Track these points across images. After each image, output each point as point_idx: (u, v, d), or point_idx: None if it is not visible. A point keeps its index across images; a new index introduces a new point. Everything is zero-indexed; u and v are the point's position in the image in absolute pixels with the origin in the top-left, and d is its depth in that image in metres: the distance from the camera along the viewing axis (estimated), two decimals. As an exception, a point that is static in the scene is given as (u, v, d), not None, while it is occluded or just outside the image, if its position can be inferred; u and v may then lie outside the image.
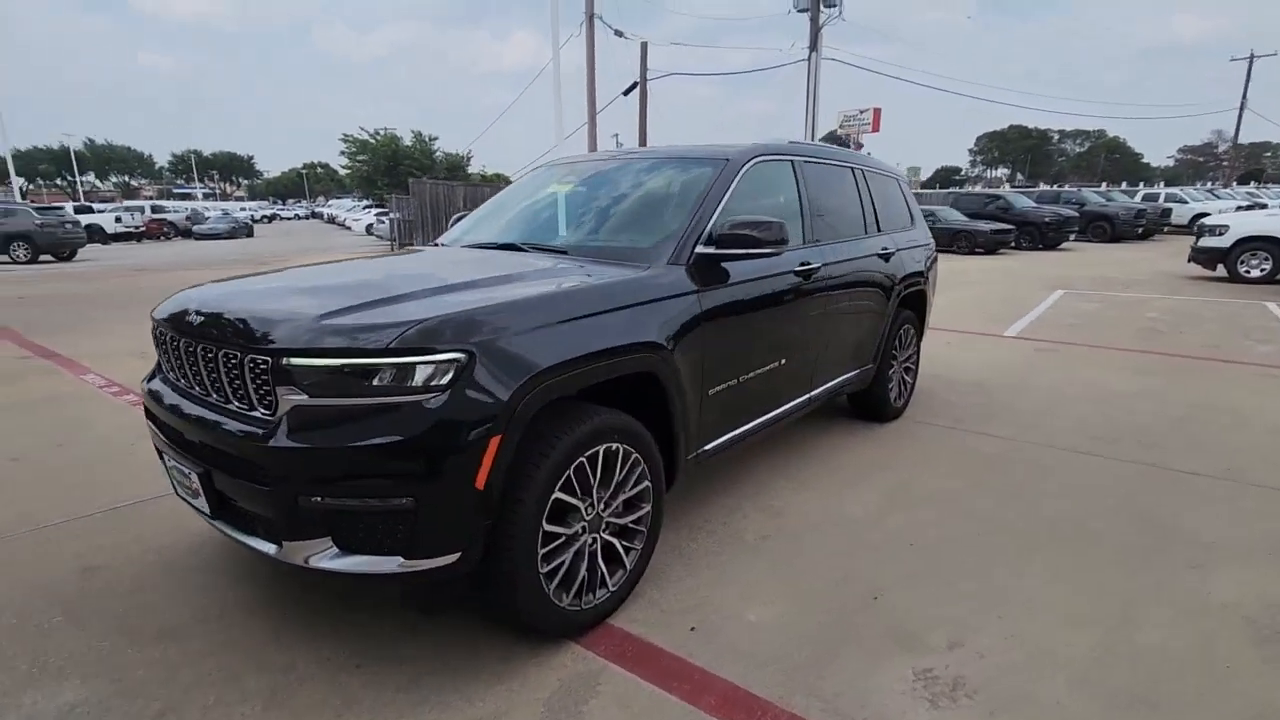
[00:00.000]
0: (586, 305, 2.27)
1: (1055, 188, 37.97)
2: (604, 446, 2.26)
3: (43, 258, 18.33)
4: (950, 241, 20.66)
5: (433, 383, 1.87)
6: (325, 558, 1.93)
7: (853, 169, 4.24)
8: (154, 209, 34.19)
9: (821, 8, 21.87)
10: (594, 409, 2.26)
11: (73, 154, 63.07)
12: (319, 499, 1.88)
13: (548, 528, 2.11)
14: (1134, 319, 8.62)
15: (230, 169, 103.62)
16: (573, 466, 2.15)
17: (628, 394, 2.51)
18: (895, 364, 4.57)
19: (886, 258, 4.24)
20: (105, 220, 28.71)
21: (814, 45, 21.95)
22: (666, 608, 2.52)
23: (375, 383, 1.86)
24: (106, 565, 2.77)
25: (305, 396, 1.88)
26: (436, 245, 3.56)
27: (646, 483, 2.48)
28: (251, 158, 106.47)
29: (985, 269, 15.04)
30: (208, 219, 34.90)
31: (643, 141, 20.48)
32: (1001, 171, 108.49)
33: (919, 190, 37.46)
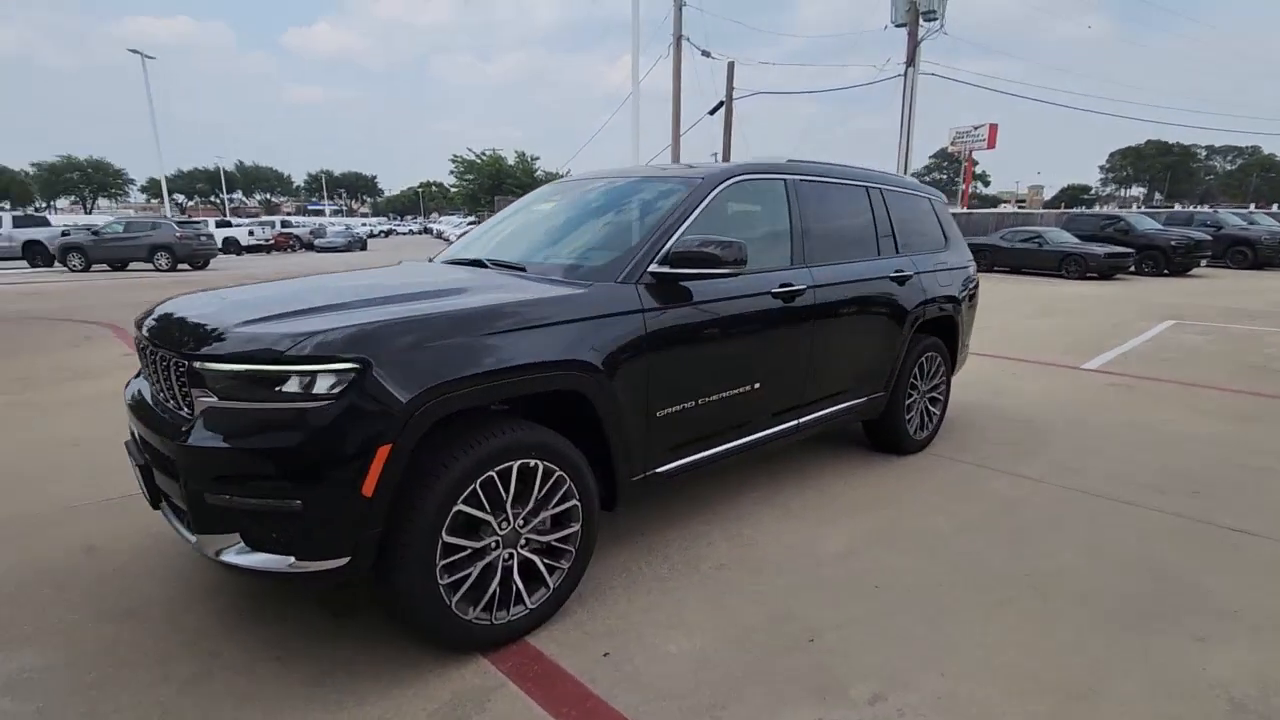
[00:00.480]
0: (503, 322, 2.29)
1: (1192, 208, 34.56)
2: (519, 462, 2.27)
3: (180, 266, 20.50)
4: (1058, 266, 19.30)
5: (324, 391, 1.95)
6: (233, 553, 2.05)
7: (868, 188, 4.05)
8: (282, 224, 37.52)
9: (921, 22, 21.11)
10: (508, 424, 2.28)
11: (222, 174, 70.22)
12: (225, 496, 2.00)
13: (449, 539, 2.14)
14: (1244, 355, 7.69)
15: (356, 187, 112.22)
16: (480, 480, 2.18)
17: (565, 411, 2.52)
18: (916, 394, 4.30)
19: (902, 280, 4.02)
20: (240, 234, 31.82)
21: (911, 61, 21.20)
22: (590, 630, 2.48)
23: (272, 389, 1.96)
24: (107, 547, 3.05)
25: (215, 399, 2.02)
26: (429, 260, 3.71)
27: (574, 502, 2.47)
28: (375, 177, 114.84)
29: (1091, 295, 13.90)
30: (328, 234, 37.85)
31: (726, 158, 20.44)
32: (1137, 190, 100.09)
33: (1038, 210, 35.19)
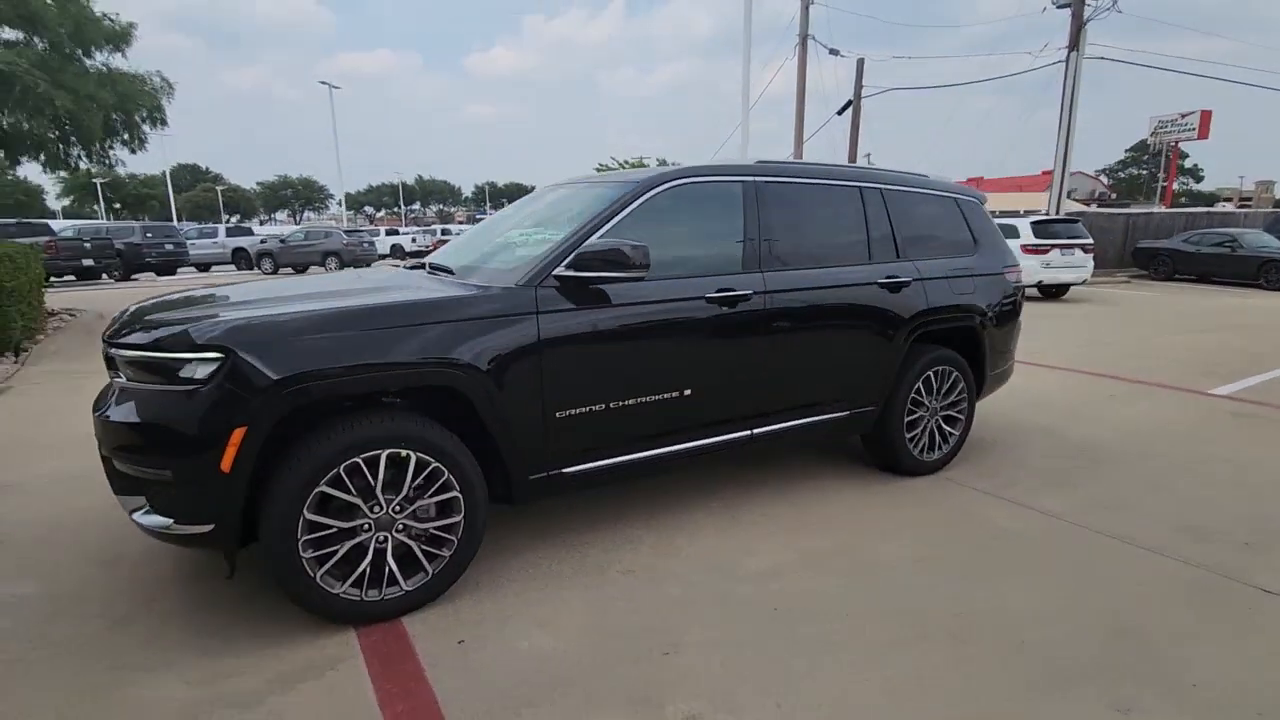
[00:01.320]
0: (379, 320, 2.46)
1: None
2: (388, 451, 2.43)
3: (345, 270, 23.23)
4: (1255, 274, 16.56)
5: (192, 376, 2.23)
6: (140, 514, 2.39)
7: (861, 189, 3.79)
8: (442, 231, 41.03)
9: (1087, 1, 18.91)
10: (378, 414, 2.45)
11: (401, 188, 78.06)
12: (128, 464, 2.34)
13: (311, 517, 2.34)
14: None
15: (516, 197, 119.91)
16: (344, 465, 2.36)
17: (460, 407, 2.64)
18: (922, 411, 3.95)
19: (895, 287, 3.72)
20: (405, 241, 35.30)
21: (1074, 44, 19.04)
22: (463, 617, 2.58)
23: (157, 373, 2.27)
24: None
25: (124, 380, 2.37)
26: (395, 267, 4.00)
27: (455, 493, 2.59)
28: (534, 187, 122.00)
29: (1273, 310, 11.76)
30: (482, 240, 40.86)
31: (851, 161, 19.50)
32: None
33: (1242, 211, 30.28)
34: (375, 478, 2.43)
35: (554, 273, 2.79)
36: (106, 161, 11.59)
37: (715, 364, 3.20)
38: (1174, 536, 3.24)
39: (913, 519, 3.46)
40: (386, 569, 2.52)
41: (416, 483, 2.51)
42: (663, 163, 46.59)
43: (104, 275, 19.95)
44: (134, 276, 21.22)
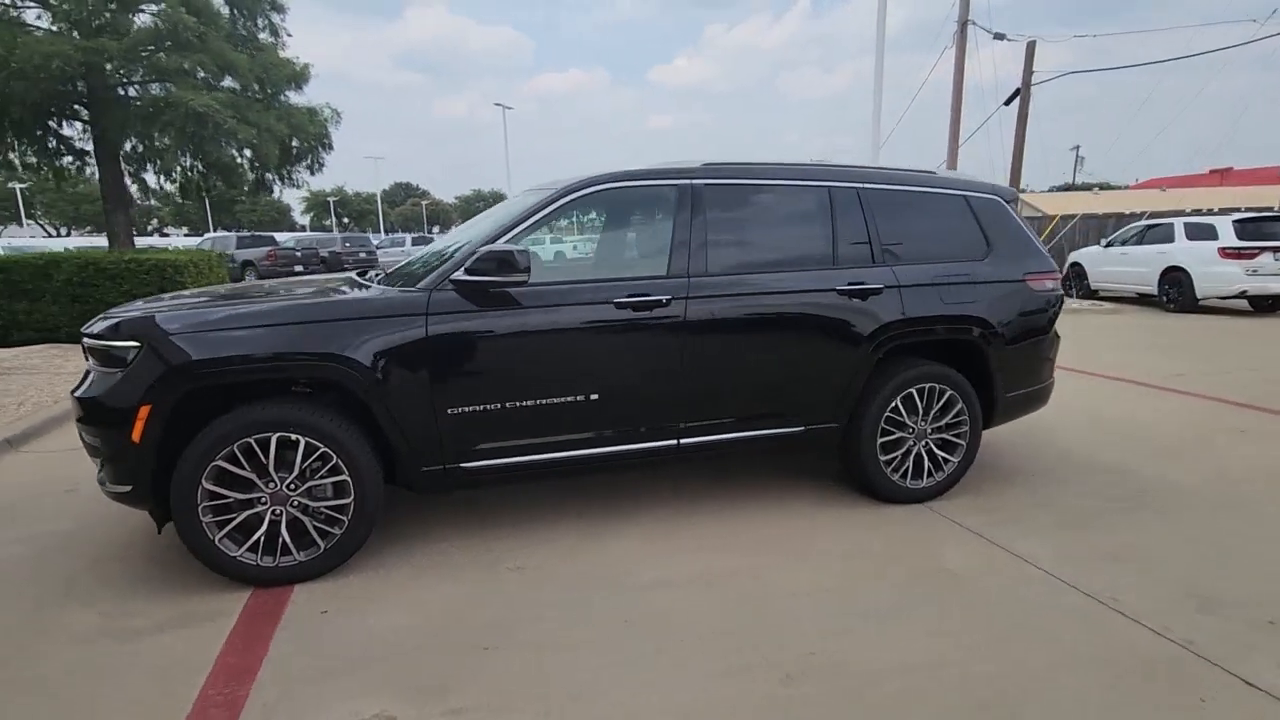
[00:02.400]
0: (265, 320, 2.77)
1: None
2: (278, 435, 2.73)
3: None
4: None
5: (116, 361, 2.67)
6: (96, 475, 2.91)
7: (830, 189, 3.51)
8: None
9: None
10: (271, 402, 2.76)
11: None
12: (82, 433, 2.86)
13: (209, 486, 2.69)
14: None
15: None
16: (237, 444, 2.69)
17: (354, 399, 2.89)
18: (905, 434, 3.56)
19: (861, 295, 3.40)
20: (566, 249, 37.59)
21: (1322, 4, 15.61)
22: (343, 591, 2.81)
23: (99, 357, 2.76)
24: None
25: (91, 363, 2.89)
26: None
27: (344, 477, 2.83)
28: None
29: None
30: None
31: (1017, 156, 17.47)
32: None
33: None
34: (268, 457, 2.74)
35: (451, 276, 2.94)
36: (291, 183, 13.77)
37: (626, 370, 3.16)
38: (1173, 603, 2.66)
39: (852, 548, 3.16)
40: (280, 540, 2.82)
41: (308, 464, 2.79)
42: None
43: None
44: (334, 280, 24.69)
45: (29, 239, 36.50)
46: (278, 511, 2.80)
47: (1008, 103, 17.94)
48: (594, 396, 3.11)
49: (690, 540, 3.26)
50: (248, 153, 11.77)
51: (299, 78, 12.54)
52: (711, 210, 3.31)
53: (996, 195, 3.86)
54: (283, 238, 26.91)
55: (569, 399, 3.09)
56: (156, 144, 11.38)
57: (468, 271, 2.91)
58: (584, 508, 3.60)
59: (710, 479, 3.98)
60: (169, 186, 13.04)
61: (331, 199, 69.85)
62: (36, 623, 2.62)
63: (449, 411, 2.95)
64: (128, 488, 2.73)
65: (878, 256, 3.52)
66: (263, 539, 2.79)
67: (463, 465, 3.02)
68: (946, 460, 3.67)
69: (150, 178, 12.82)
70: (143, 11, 11.21)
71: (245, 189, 13.43)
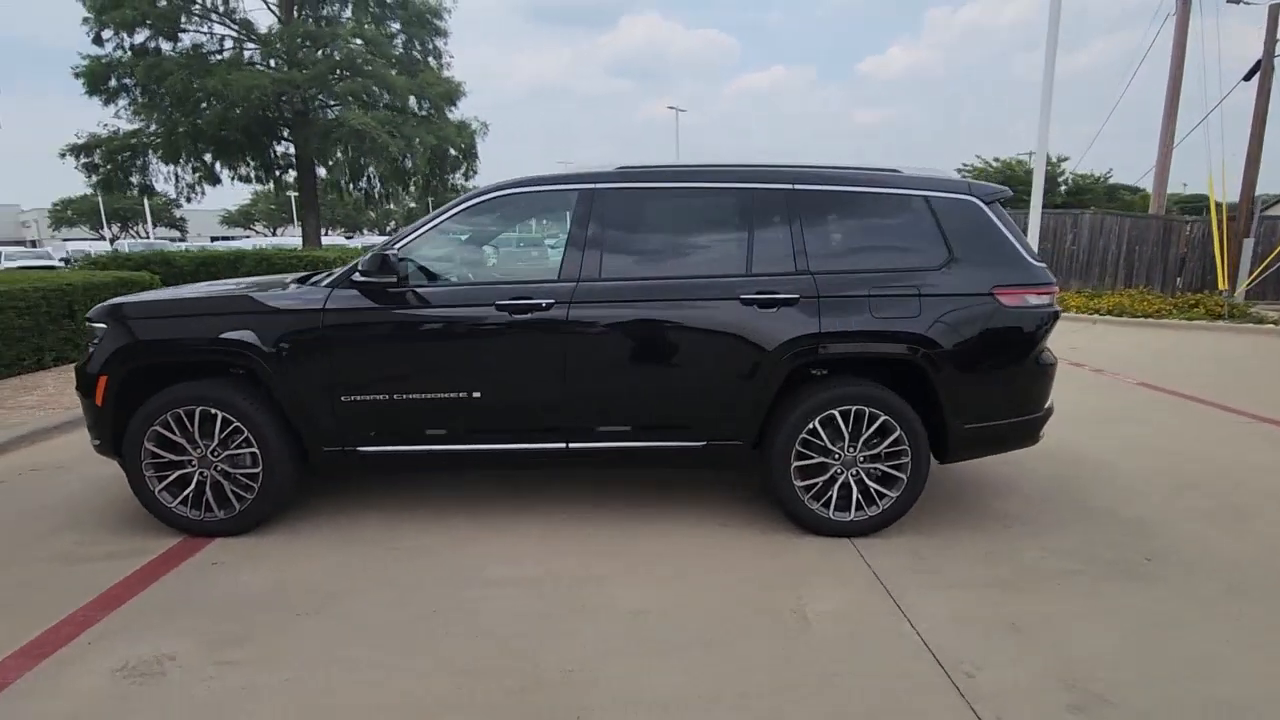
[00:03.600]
0: (190, 308, 3.25)
1: None
2: (200, 407, 3.20)
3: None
4: None
5: (94, 340, 3.30)
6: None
7: (755, 191, 3.27)
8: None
9: None
10: (197, 380, 3.23)
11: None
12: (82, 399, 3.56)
13: (149, 446, 3.23)
14: None
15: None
16: (169, 413, 3.20)
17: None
18: (829, 459, 3.23)
19: (769, 304, 3.15)
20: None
21: None
22: (244, 551, 3.21)
23: (88, 336, 3.42)
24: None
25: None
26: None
27: (253, 450, 3.24)
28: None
29: None
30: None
31: (1255, 147, 14.19)
32: None
33: None
34: (193, 426, 3.23)
35: (352, 277, 3.23)
36: (444, 190, 15.44)
37: (510, 371, 3.23)
38: (1037, 692, 2.19)
39: (726, 574, 2.96)
40: (204, 498, 3.30)
41: (223, 435, 3.24)
42: (1021, 161, 39.96)
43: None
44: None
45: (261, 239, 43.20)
46: (204, 474, 3.28)
47: (1247, 77, 14.75)
48: (476, 395, 3.24)
49: (573, 544, 3.26)
50: (409, 163, 13.48)
51: (452, 95, 14.07)
52: (611, 215, 3.26)
53: (972, 196, 3.34)
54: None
55: (453, 395, 3.24)
56: (340, 156, 13.51)
57: (361, 272, 3.18)
58: (524, 501, 3.72)
59: (657, 489, 3.89)
60: (354, 194, 15.40)
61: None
62: (36, 541, 3.33)
63: (343, 399, 3.24)
64: (97, 441, 3.37)
65: (801, 264, 3.23)
66: (191, 495, 3.29)
67: (359, 449, 3.31)
68: (882, 494, 3.27)
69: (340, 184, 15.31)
70: (327, 47, 13.41)
71: (410, 194, 15.41)
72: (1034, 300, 3.26)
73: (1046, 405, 3.42)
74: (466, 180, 15.26)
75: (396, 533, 3.39)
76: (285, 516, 3.49)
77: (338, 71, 12.92)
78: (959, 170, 45.01)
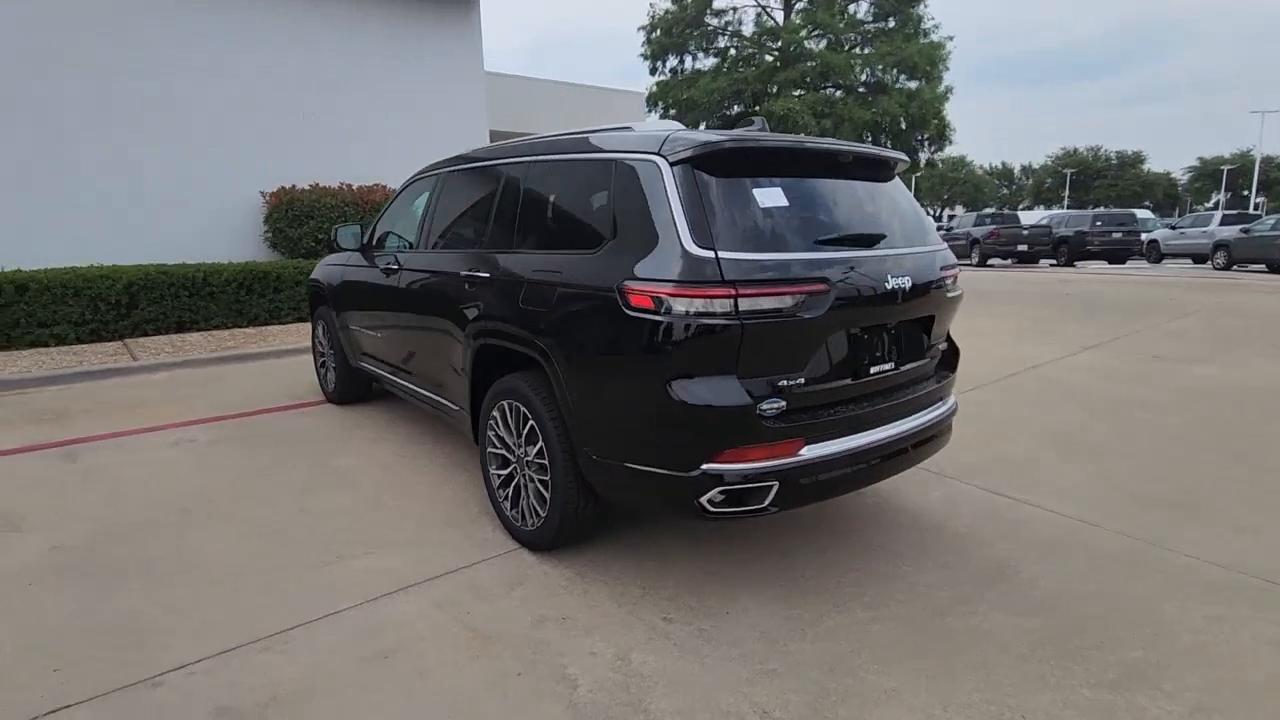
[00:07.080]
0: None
1: None
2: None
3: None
4: None
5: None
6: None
7: (500, 167, 3.29)
8: None
9: None
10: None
11: None
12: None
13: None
14: None
15: None
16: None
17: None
18: (509, 455, 2.97)
19: (471, 281, 3.12)
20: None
21: None
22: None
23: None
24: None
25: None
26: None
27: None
28: None
29: None
30: None
31: None
32: None
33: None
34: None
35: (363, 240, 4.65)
36: (915, 157, 14.73)
37: (394, 323, 4.10)
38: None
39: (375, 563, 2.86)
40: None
41: (328, 341, 5.23)
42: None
43: (1040, 260, 21.72)
44: (1075, 263, 21.75)
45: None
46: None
47: None
48: (384, 337, 4.27)
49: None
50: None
51: (925, 71, 13.18)
52: (444, 194, 3.75)
53: (659, 157, 2.39)
54: (1034, 217, 25.66)
55: (382, 335, 4.31)
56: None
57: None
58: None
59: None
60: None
61: (1227, 166, 56.31)
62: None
63: (351, 328, 4.76)
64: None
65: (517, 240, 3.03)
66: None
67: (360, 363, 4.79)
68: (537, 508, 2.86)
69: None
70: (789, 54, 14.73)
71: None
72: (681, 305, 2.22)
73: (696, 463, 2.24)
74: (934, 151, 14.00)
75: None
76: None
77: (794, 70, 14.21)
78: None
